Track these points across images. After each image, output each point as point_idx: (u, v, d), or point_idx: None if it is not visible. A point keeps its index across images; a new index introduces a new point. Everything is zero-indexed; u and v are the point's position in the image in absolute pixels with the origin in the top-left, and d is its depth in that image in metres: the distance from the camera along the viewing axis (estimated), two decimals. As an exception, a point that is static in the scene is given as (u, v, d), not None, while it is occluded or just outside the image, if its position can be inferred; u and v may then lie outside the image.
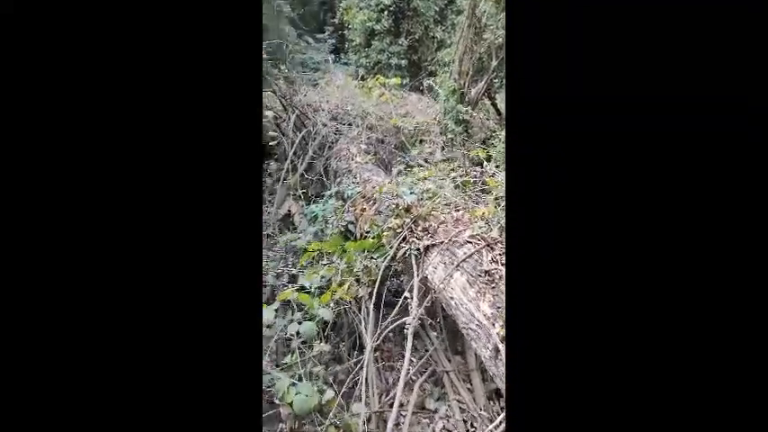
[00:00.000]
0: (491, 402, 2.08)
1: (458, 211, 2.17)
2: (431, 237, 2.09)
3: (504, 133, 4.51)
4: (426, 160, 4.04)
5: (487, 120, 5.23)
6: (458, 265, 1.85)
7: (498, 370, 1.51)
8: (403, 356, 2.22)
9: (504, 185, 2.35)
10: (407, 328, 1.88)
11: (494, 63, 4.94)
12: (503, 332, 1.51)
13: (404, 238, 2.16)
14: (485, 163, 2.72)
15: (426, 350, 2.45)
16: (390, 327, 1.96)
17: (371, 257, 2.13)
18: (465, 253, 1.89)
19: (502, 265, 1.73)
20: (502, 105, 5.36)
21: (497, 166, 3.15)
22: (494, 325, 1.57)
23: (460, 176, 2.42)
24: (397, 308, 2.04)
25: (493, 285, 1.68)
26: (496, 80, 4.97)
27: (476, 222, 1.99)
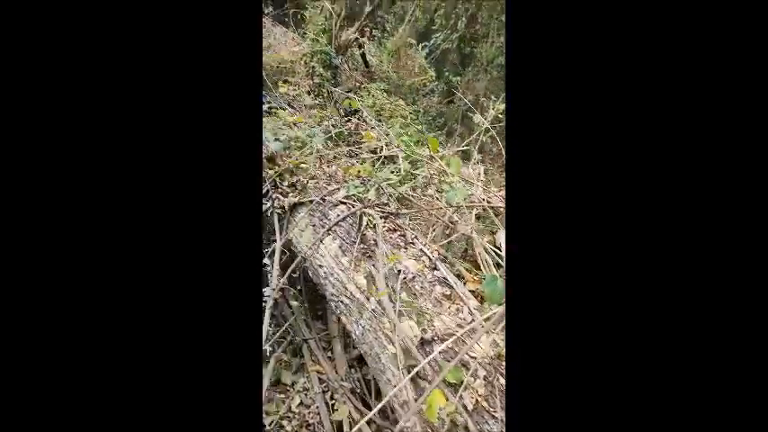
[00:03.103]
0: (353, 371, 1.98)
1: (330, 166, 1.92)
2: (299, 193, 1.80)
3: (373, 86, 4.33)
4: (291, 104, 3.61)
5: (355, 70, 4.96)
6: (330, 229, 1.63)
7: (371, 349, 1.38)
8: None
9: (378, 140, 2.17)
10: (266, 301, 1.60)
11: (367, 9, 4.62)
12: (376, 305, 1.36)
13: (265, 194, 1.82)
14: (357, 113, 2.48)
15: (285, 319, 2.21)
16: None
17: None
18: (338, 215, 1.67)
19: (375, 228, 1.57)
20: (370, 57, 5.14)
21: (366, 121, 2.95)
22: (368, 299, 1.42)
23: (333, 126, 2.14)
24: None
25: (369, 255, 1.52)
26: (369, 28, 4.68)
27: (351, 181, 1.78)
